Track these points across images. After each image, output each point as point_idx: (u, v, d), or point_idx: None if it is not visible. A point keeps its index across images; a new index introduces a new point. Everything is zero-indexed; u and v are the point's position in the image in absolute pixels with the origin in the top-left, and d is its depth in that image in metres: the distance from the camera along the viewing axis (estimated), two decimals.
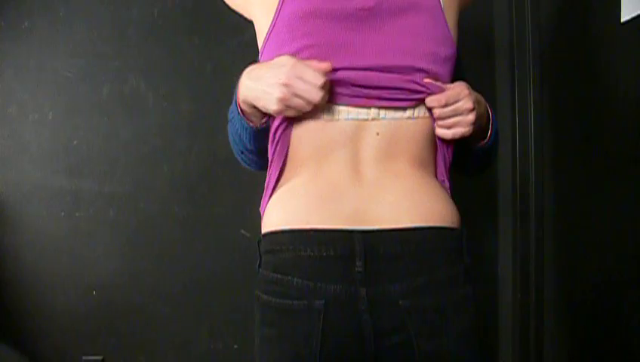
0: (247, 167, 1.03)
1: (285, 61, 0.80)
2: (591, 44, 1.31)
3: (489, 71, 1.68)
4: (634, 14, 1.10)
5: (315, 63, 0.81)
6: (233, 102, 0.89)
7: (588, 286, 1.36)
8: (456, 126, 0.86)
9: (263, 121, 0.87)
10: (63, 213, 1.66)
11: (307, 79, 0.79)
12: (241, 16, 0.98)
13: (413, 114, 0.86)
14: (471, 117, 0.85)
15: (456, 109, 0.85)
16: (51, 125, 1.66)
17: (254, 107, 0.85)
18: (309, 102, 0.80)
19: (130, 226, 1.67)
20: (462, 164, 1.00)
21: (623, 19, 1.14)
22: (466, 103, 0.85)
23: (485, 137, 0.93)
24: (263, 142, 0.91)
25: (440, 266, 0.84)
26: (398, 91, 0.85)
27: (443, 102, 0.84)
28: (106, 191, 1.67)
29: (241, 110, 0.87)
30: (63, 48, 1.67)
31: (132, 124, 1.67)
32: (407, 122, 0.86)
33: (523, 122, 1.57)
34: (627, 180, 1.18)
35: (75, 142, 1.67)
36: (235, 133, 0.93)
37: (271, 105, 0.81)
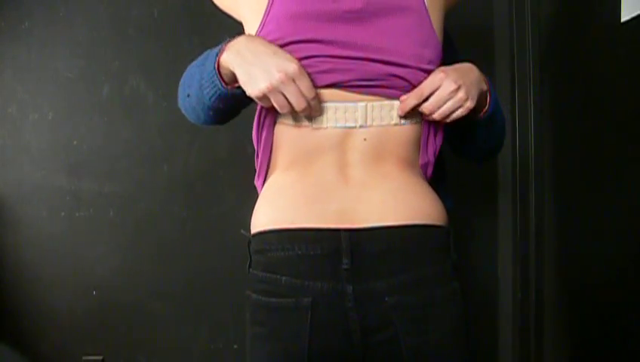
0: (184, 112, 1.01)
1: (291, 59, 0.80)
2: (591, 44, 1.31)
3: (489, 71, 1.67)
4: (634, 14, 1.10)
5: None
6: (213, 53, 0.86)
7: (588, 286, 1.36)
8: (454, 111, 0.84)
9: (236, 85, 0.85)
10: (63, 213, 1.66)
11: (301, 85, 0.79)
12: (229, 16, 0.98)
13: (400, 120, 0.86)
14: (461, 94, 0.83)
15: (441, 97, 0.83)
16: (51, 125, 1.66)
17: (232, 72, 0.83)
18: (291, 105, 0.80)
19: (130, 226, 1.67)
20: (473, 145, 0.99)
21: (623, 19, 1.14)
22: (448, 86, 0.83)
23: (486, 104, 0.91)
24: (224, 103, 0.88)
25: (426, 263, 0.84)
26: (382, 80, 0.84)
27: (422, 92, 0.83)
28: (106, 191, 1.67)
29: (218, 65, 0.84)
30: (63, 48, 1.67)
31: (132, 124, 1.67)
32: (395, 128, 0.86)
33: (523, 122, 1.57)
34: (627, 180, 1.18)
35: (75, 142, 1.67)
36: (197, 79, 0.89)
37: (253, 87, 0.80)
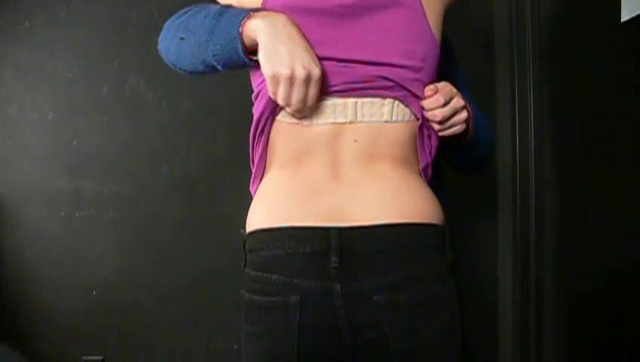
0: (164, 50, 0.93)
1: (318, 64, 0.80)
2: (591, 44, 1.31)
3: (489, 71, 1.68)
4: (634, 14, 1.10)
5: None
6: (237, 15, 0.82)
7: (588, 286, 1.36)
8: (454, 125, 0.87)
9: (254, 56, 0.83)
10: (63, 213, 1.66)
11: (311, 92, 0.80)
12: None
13: (391, 117, 0.86)
14: (464, 114, 0.87)
15: (453, 107, 0.86)
16: (51, 125, 1.66)
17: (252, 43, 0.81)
18: (293, 99, 0.80)
19: (130, 226, 1.67)
20: (457, 165, 1.01)
21: (623, 19, 1.14)
22: (459, 101, 0.86)
23: (467, 134, 0.93)
24: (225, 66, 0.86)
25: (418, 262, 0.83)
26: (369, 82, 0.85)
27: (442, 101, 0.85)
28: (106, 191, 1.67)
29: (241, 34, 0.80)
30: (63, 48, 1.67)
31: (132, 124, 1.67)
32: (386, 126, 0.86)
33: (523, 122, 1.57)
34: (627, 180, 1.18)
35: (75, 142, 1.67)
36: (205, 32, 0.83)
37: (273, 65, 0.78)
